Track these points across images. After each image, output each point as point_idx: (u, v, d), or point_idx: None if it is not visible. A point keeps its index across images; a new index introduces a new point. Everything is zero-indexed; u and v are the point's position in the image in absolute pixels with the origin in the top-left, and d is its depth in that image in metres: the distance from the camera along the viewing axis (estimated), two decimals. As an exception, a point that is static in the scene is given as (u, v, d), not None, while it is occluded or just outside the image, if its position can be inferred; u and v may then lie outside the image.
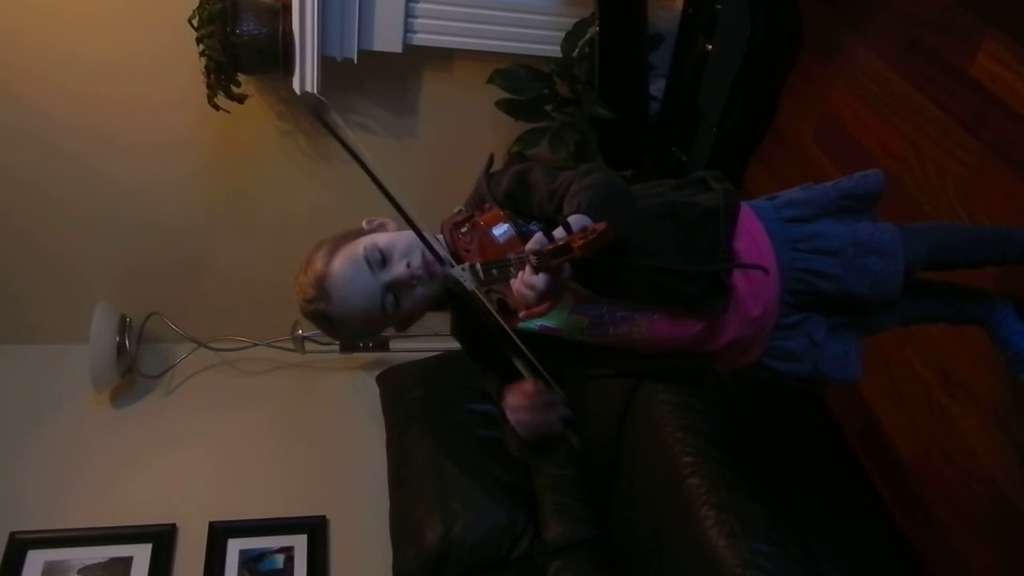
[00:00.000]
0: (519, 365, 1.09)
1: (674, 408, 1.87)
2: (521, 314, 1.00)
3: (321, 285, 1.12)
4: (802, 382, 1.31)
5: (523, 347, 1.05)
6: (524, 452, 1.20)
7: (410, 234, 1.15)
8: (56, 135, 2.38)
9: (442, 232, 1.16)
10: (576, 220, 0.94)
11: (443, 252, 1.07)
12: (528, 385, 1.10)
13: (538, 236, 0.93)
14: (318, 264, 1.13)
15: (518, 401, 1.12)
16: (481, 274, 1.00)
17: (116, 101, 2.35)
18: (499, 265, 0.99)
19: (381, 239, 1.14)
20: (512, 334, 1.04)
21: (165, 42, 2.23)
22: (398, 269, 1.12)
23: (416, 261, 1.12)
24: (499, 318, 1.03)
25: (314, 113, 0.94)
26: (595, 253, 0.88)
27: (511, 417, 1.13)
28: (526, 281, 0.95)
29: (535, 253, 0.92)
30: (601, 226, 0.87)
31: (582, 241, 0.88)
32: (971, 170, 1.64)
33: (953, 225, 1.65)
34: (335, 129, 0.94)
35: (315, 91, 2.21)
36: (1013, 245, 1.42)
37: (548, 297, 0.96)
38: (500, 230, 1.04)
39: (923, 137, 1.77)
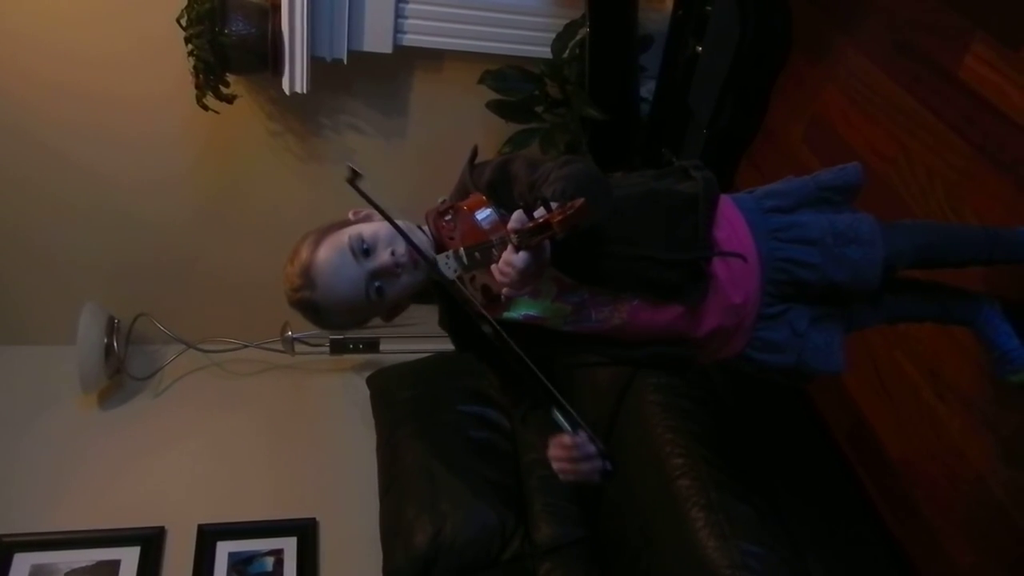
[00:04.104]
0: (557, 417, 1.13)
1: (664, 409, 1.88)
2: (504, 292, 1.01)
3: (307, 274, 1.14)
4: (786, 375, 1.32)
5: (546, 381, 1.09)
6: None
7: None
8: (43, 132, 2.37)
9: (426, 222, 1.18)
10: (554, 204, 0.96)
11: (426, 242, 1.09)
12: (567, 438, 1.14)
13: (518, 214, 0.95)
14: (304, 253, 1.15)
15: (558, 453, 1.15)
16: (464, 259, 1.00)
17: (104, 99, 2.34)
18: (481, 248, 1.00)
19: (366, 229, 1.16)
20: (512, 343, 1.06)
21: (153, 41, 2.22)
22: (383, 258, 1.13)
23: (401, 249, 1.13)
24: (483, 310, 1.04)
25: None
26: (573, 230, 0.90)
27: (553, 464, 1.17)
28: (506, 259, 0.96)
29: (516, 232, 0.93)
30: (579, 202, 0.89)
31: (560, 217, 0.89)
32: (960, 171, 1.65)
33: (940, 223, 1.66)
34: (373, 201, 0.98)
35: (304, 90, 2.20)
36: (1000, 245, 1.43)
37: (528, 275, 0.97)
38: (483, 214, 1.05)
39: (912, 139, 1.77)
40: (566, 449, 1.14)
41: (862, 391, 1.93)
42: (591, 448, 1.13)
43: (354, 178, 0.95)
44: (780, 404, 2.04)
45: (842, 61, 2.00)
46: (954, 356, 1.67)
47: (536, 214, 0.93)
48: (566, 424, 1.14)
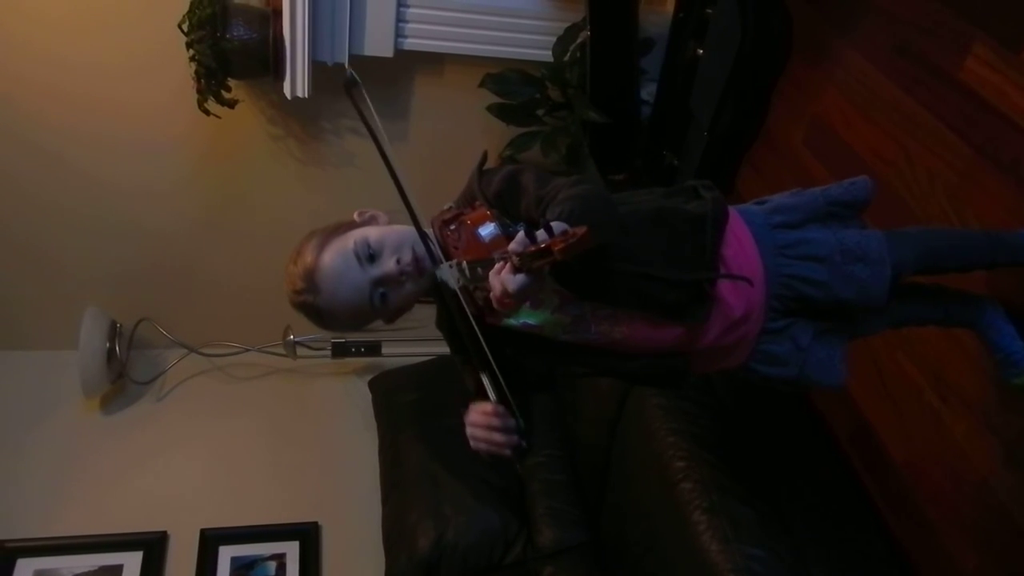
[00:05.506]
0: (486, 383, 1.11)
1: (666, 412, 1.87)
2: (495, 305, 1.01)
3: (310, 278, 1.13)
4: (788, 385, 1.32)
5: (495, 367, 1.07)
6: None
7: (401, 229, 1.17)
8: (45, 139, 2.37)
9: (432, 227, 1.17)
10: (557, 226, 0.94)
11: (435, 249, 1.08)
12: (489, 406, 1.13)
13: (520, 237, 0.93)
14: (308, 256, 1.14)
15: (476, 418, 1.15)
16: (467, 272, 1.00)
17: (106, 105, 2.34)
18: (484, 264, 1.00)
19: (372, 233, 1.15)
20: (487, 350, 1.05)
21: (155, 47, 2.22)
22: (388, 265, 1.13)
23: (406, 258, 1.13)
24: (473, 321, 1.04)
25: (348, 92, 0.95)
26: (575, 257, 0.89)
27: (468, 430, 1.17)
28: (501, 277, 0.95)
29: (517, 254, 0.92)
30: (582, 230, 0.88)
31: (562, 245, 0.88)
32: (961, 174, 1.65)
33: (943, 229, 1.66)
34: (363, 111, 0.98)
35: (305, 94, 2.21)
36: (1003, 248, 1.43)
37: (519, 296, 0.96)
38: (486, 229, 1.05)
39: (913, 141, 1.77)
40: (486, 416, 1.13)
41: (865, 394, 1.93)
42: (511, 421, 1.13)
43: (351, 86, 0.94)
44: (782, 407, 2.04)
45: (842, 63, 2.00)
46: (957, 359, 1.67)
47: (538, 237, 0.93)
48: (494, 395, 1.13)
